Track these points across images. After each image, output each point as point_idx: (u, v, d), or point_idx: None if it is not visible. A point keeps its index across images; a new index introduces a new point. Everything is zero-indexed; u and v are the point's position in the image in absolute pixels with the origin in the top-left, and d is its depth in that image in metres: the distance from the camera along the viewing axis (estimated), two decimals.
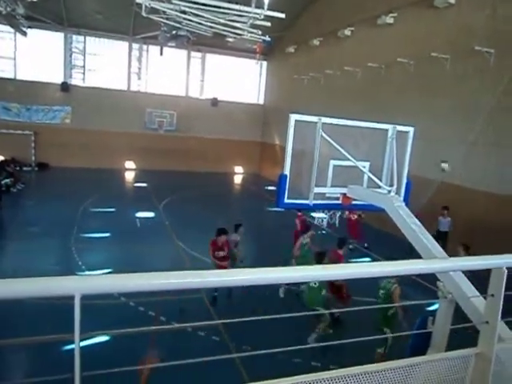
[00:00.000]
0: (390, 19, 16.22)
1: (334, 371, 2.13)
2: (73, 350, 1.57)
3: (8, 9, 16.78)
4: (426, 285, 9.40)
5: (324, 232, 14.17)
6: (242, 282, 1.91)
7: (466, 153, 12.82)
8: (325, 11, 21.55)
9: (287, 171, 5.49)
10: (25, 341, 1.81)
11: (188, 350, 6.66)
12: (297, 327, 7.06)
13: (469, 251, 8.96)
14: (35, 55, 24.95)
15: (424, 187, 12.52)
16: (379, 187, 5.74)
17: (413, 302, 8.30)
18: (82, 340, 1.55)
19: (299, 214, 11.88)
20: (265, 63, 29.73)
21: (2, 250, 12.00)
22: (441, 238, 11.56)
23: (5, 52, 24.37)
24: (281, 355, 6.13)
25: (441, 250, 4.74)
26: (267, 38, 16.98)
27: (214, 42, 24.05)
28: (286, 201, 5.61)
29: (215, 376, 6.05)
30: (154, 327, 6.89)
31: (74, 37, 25.54)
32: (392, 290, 6.83)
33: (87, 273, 10.10)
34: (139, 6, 15.45)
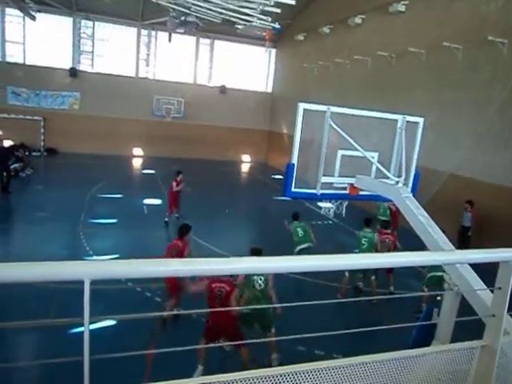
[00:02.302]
0: (401, 7, 15.95)
1: (339, 360, 2.14)
2: (82, 333, 1.59)
3: None
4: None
5: (331, 222, 14.19)
6: (252, 270, 1.91)
7: (476, 144, 12.68)
8: None
9: (295, 160, 5.47)
10: (35, 323, 1.84)
11: (192, 336, 6.76)
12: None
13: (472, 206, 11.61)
14: (44, 40, 24.91)
15: (433, 179, 12.43)
16: (387, 178, 5.70)
17: (419, 294, 8.31)
18: (91, 323, 1.58)
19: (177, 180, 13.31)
20: (274, 51, 29.46)
21: (12, 233, 12.18)
22: (465, 233, 11.54)
23: (14, 36, 24.36)
24: (284, 343, 6.19)
25: (448, 242, 4.72)
26: (277, 25, 16.80)
27: (223, 29, 23.85)
28: (293, 190, 5.60)
29: (215, 361, 6.13)
30: (158, 313, 6.98)
31: (83, 22, 25.42)
32: (375, 240, 9.01)
33: (95, 257, 10.21)
34: None
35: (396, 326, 2.77)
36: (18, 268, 1.47)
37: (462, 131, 13.32)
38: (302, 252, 9.74)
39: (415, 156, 6.04)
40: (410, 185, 5.98)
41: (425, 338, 4.04)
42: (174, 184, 13.33)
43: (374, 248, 8.96)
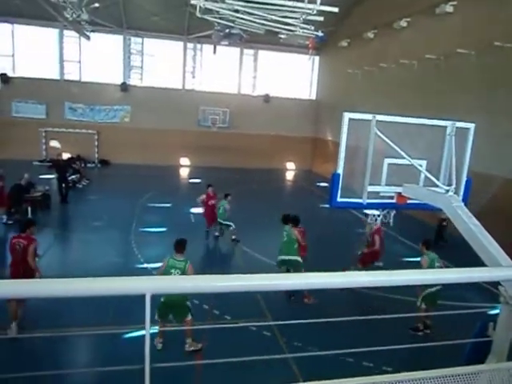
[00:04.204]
0: (449, 8, 15.46)
1: (389, 376, 2.14)
2: (142, 341, 1.70)
3: (74, 15, 17.87)
4: (488, 287, 8.94)
5: None
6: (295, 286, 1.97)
7: None
8: (379, 3, 20.90)
9: (340, 170, 5.45)
10: (98, 331, 1.99)
11: (240, 344, 6.86)
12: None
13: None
14: (97, 57, 26.38)
15: (485, 185, 11.87)
16: (437, 186, 5.55)
17: (473, 305, 7.98)
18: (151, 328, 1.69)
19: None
20: (317, 58, 29.38)
21: (72, 240, 12.95)
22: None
23: (71, 56, 26.00)
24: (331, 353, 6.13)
25: (502, 251, 4.52)
26: (320, 34, 16.76)
27: (267, 39, 24.07)
28: (339, 200, 5.57)
29: (265, 371, 6.18)
30: (209, 326, 7.14)
31: (133, 38, 26.67)
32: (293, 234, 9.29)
33: (146, 265, 10.61)
34: (193, 6, 15.84)
35: (455, 341, 2.71)
36: (85, 283, 1.60)
37: None
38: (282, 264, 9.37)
39: (466, 163, 5.83)
40: (461, 193, 5.78)
41: (480, 350, 3.89)
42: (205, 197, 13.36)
43: (296, 241, 9.21)
